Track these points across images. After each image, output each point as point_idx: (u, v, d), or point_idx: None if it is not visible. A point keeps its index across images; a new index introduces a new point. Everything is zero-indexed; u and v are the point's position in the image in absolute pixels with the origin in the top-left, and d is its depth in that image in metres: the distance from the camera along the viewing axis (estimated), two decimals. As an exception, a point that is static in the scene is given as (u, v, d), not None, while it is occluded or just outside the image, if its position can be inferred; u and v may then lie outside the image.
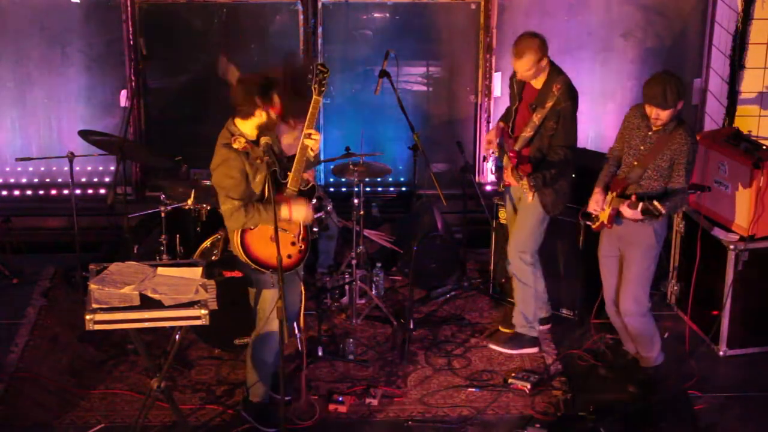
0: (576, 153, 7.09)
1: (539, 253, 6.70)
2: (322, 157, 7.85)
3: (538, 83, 6.37)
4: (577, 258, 6.95)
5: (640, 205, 5.86)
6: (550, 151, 6.36)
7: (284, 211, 5.73)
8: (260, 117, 5.70)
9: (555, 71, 6.35)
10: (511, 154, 6.39)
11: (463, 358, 6.73)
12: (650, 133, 6.02)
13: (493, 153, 6.67)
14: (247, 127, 5.74)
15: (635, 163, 6.07)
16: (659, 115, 5.92)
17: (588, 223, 6.33)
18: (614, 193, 6.13)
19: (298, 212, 5.79)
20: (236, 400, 6.23)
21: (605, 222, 6.17)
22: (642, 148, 6.05)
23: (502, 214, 7.13)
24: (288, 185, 5.83)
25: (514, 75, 6.50)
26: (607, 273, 6.38)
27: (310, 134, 5.81)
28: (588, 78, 8.19)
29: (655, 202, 5.82)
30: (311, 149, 5.82)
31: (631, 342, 6.51)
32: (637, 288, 6.21)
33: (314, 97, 5.82)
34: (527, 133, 6.35)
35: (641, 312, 6.27)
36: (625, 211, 5.96)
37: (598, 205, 6.19)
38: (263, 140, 5.65)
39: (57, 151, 7.74)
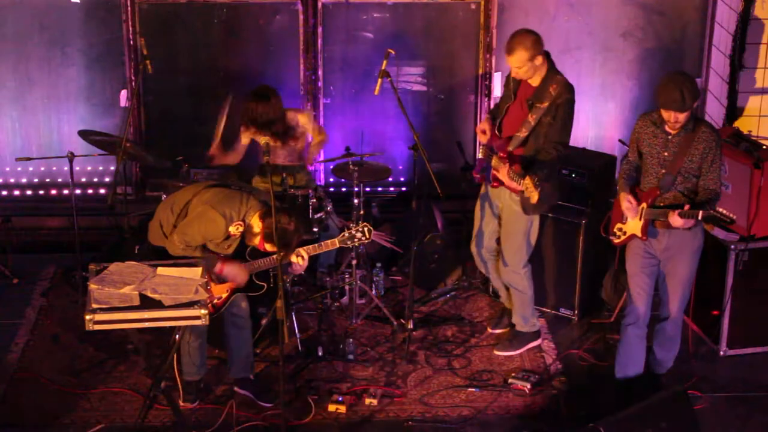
0: (575, 152, 7.08)
1: (536, 252, 6.71)
2: (322, 158, 7.85)
3: (534, 81, 6.24)
4: (577, 258, 6.95)
5: (701, 213, 5.69)
6: (542, 149, 6.19)
7: (217, 266, 5.86)
8: (259, 230, 5.81)
9: (552, 71, 6.23)
10: (502, 155, 6.27)
11: (463, 358, 6.72)
12: (670, 137, 5.85)
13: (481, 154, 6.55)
14: (255, 224, 5.83)
15: (663, 171, 5.89)
16: (678, 118, 5.74)
17: (611, 238, 6.12)
18: (645, 204, 5.92)
19: (231, 270, 5.91)
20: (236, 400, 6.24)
21: (638, 234, 5.96)
22: (666, 154, 5.86)
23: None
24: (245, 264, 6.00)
25: (510, 73, 6.45)
26: (640, 290, 6.08)
27: (301, 255, 5.96)
28: (588, 78, 8.19)
29: (722, 209, 5.67)
30: (293, 268, 5.95)
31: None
32: (687, 291, 6.11)
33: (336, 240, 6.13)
34: (522, 133, 6.22)
35: (682, 314, 6.18)
36: (676, 221, 5.76)
37: (632, 210, 5.93)
38: (263, 140, 5.61)
39: (57, 151, 7.74)
